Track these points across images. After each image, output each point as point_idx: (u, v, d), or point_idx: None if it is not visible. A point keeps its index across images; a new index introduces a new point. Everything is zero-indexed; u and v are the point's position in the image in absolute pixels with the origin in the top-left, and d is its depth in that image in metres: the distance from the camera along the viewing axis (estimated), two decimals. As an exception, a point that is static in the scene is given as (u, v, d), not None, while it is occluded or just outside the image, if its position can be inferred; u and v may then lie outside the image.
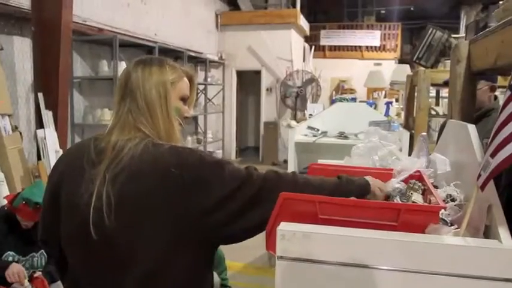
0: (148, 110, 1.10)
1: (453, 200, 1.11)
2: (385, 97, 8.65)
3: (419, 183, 1.18)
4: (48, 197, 1.18)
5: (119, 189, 1.00)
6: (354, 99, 5.44)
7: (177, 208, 0.99)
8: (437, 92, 4.84)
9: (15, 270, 2.18)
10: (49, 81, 3.98)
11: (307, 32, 11.10)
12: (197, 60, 7.84)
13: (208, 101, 8.10)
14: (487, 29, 1.30)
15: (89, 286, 1.08)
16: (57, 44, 3.84)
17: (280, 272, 0.91)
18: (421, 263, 0.84)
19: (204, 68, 7.78)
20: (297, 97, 8.64)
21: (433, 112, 3.63)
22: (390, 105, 4.56)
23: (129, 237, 1.00)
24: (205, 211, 0.99)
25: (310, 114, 4.34)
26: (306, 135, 3.73)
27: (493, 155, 0.86)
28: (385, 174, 1.28)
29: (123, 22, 5.61)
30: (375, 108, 5.39)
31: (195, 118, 8.02)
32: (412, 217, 0.92)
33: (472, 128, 1.17)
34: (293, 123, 3.62)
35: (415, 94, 3.54)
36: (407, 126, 3.62)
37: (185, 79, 1.21)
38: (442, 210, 1.08)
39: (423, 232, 0.91)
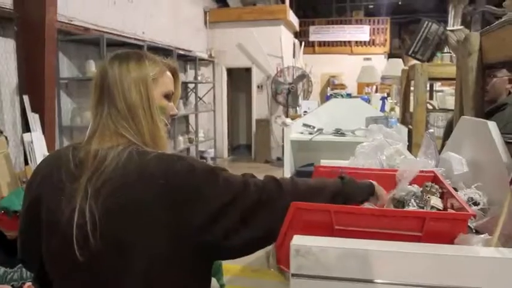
0: (130, 112, 0.99)
1: (475, 203, 1.03)
2: (376, 92, 8.61)
3: (436, 186, 1.10)
4: (26, 213, 1.07)
5: (102, 204, 0.89)
6: (349, 95, 5.36)
7: (167, 223, 0.89)
8: (431, 86, 4.79)
9: None
10: (34, 83, 3.84)
11: (297, 28, 11.03)
12: (186, 59, 7.71)
13: (199, 99, 7.98)
14: (503, 20, 1.22)
15: None
16: (42, 44, 3.71)
17: (295, 292, 0.82)
18: (453, 278, 0.75)
19: (194, 66, 7.65)
20: (288, 94, 8.57)
21: (429, 106, 3.57)
22: (385, 100, 4.50)
23: (117, 256, 0.90)
24: (198, 226, 0.89)
25: (305, 111, 4.25)
26: (301, 132, 3.64)
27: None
28: (393, 176, 1.20)
29: (110, 21, 5.47)
30: (369, 103, 5.33)
31: (186, 117, 7.90)
32: (438, 226, 0.84)
33: (493, 126, 1.09)
34: (288, 121, 3.53)
35: (411, 88, 3.48)
36: (404, 121, 3.55)
37: (168, 73, 1.09)
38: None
39: (450, 242, 0.83)
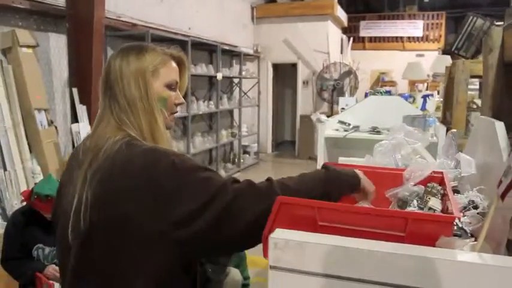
0: (129, 106, 1.04)
1: (476, 207, 0.99)
2: (427, 89, 8.28)
3: (439, 187, 1.06)
4: (55, 200, 1.18)
5: (93, 190, 0.95)
6: (388, 92, 5.20)
7: (146, 217, 0.92)
8: (481, 84, 4.54)
9: (51, 269, 2.26)
10: (83, 76, 4.07)
11: (345, 23, 10.81)
12: (232, 54, 7.82)
13: (243, 94, 8.07)
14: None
15: None
16: (90, 40, 3.91)
17: (272, 283, 0.84)
18: (429, 282, 0.74)
19: (239, 61, 7.74)
20: (333, 90, 8.44)
21: (474, 106, 3.40)
22: (428, 98, 4.32)
23: (101, 242, 0.96)
24: (175, 223, 0.92)
25: (343, 108, 4.19)
26: (337, 129, 3.60)
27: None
28: (398, 176, 1.17)
29: (157, 17, 5.66)
30: (413, 101, 5.15)
31: (230, 112, 8.02)
32: (422, 227, 0.82)
33: (499, 126, 1.04)
34: (323, 117, 3.50)
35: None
36: (444, 120, 3.41)
37: (172, 63, 1.12)
38: (462, 219, 0.97)
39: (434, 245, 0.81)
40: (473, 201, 1.00)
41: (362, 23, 13.04)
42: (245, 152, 8.39)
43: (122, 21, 4.95)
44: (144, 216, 0.92)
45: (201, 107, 6.29)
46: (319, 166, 3.49)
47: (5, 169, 3.43)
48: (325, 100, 8.95)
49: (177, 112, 1.19)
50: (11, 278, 2.42)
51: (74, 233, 0.98)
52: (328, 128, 3.64)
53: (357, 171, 1.11)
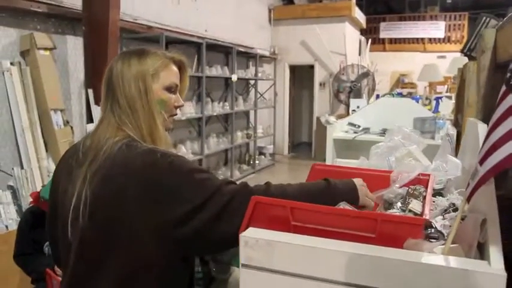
0: (130, 109, 1.07)
1: (456, 209, 0.98)
2: (447, 91, 8.13)
3: (422, 189, 1.06)
4: (50, 198, 1.22)
5: (93, 189, 0.99)
6: (400, 94, 5.13)
7: (145, 216, 0.95)
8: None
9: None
10: (98, 78, 4.10)
11: (363, 25, 10.72)
12: (248, 56, 7.85)
13: (259, 96, 8.10)
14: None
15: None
16: (105, 43, 4.00)
17: (244, 281, 0.85)
18: (390, 283, 0.74)
19: (255, 63, 7.77)
20: (350, 92, 8.37)
21: (487, 108, 3.32)
22: (440, 100, 4.25)
23: (100, 239, 0.99)
24: (173, 222, 0.95)
25: (353, 110, 4.16)
26: (346, 131, 3.58)
27: (481, 162, 0.74)
28: (385, 177, 1.17)
29: (174, 19, 5.74)
30: (429, 103, 5.07)
31: (246, 113, 8.05)
32: (391, 229, 0.82)
33: (482, 127, 1.03)
34: (331, 119, 3.49)
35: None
36: (456, 123, 3.34)
37: (172, 67, 1.15)
38: (442, 221, 0.97)
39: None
40: (453, 204, 0.99)
41: (382, 24, 12.91)
42: (261, 154, 8.40)
43: (138, 23, 5.04)
44: (143, 215, 0.95)
45: (216, 108, 6.34)
46: (338, 164, 3.45)
47: (21, 167, 3.54)
48: (341, 102, 8.90)
49: (176, 114, 1.22)
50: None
51: (73, 229, 1.02)
52: (337, 130, 3.63)
53: (359, 184, 1.10)
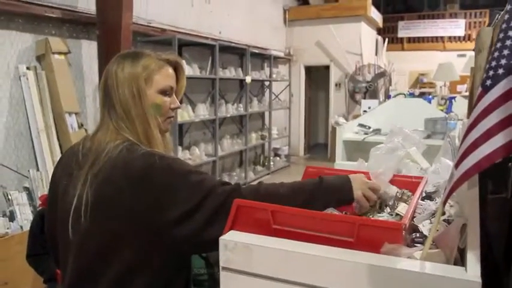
0: (125, 114, 1.10)
1: (444, 213, 0.97)
2: (466, 91, 7.97)
3: (410, 193, 1.05)
4: (48, 199, 1.25)
5: (95, 190, 1.02)
6: (412, 94, 5.05)
7: (145, 217, 0.99)
8: None
9: None
10: (111, 81, 4.22)
11: (380, 24, 10.59)
12: (263, 57, 7.86)
13: (274, 97, 8.09)
14: None
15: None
16: (118, 46, 4.06)
17: (223, 284, 0.86)
18: (367, 286, 0.74)
19: (269, 64, 7.77)
20: (365, 92, 8.29)
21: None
22: (454, 100, 4.17)
23: (101, 239, 1.02)
24: (171, 222, 0.98)
25: (365, 111, 4.12)
26: (356, 132, 3.55)
27: (457, 165, 0.73)
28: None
29: (188, 22, 5.80)
30: (444, 103, 4.98)
31: (261, 114, 8.06)
32: (370, 233, 0.81)
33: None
34: (341, 120, 3.46)
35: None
36: (469, 124, 3.28)
37: (167, 69, 1.17)
38: (428, 225, 0.96)
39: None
40: (441, 208, 0.98)
41: (400, 24, 12.73)
42: (276, 155, 8.40)
43: (152, 27, 5.11)
44: (143, 216, 0.99)
45: (230, 110, 6.37)
46: (337, 167, 3.45)
47: (37, 169, 3.63)
48: (357, 103, 8.81)
49: (173, 116, 1.24)
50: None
51: (74, 230, 1.05)
52: (348, 131, 3.61)
53: (358, 179, 1.09)
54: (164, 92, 1.16)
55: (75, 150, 1.16)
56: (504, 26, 0.75)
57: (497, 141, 0.69)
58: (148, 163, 1.01)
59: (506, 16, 0.75)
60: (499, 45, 0.74)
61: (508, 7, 0.76)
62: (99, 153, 1.06)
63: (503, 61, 0.72)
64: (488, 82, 0.73)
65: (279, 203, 0.94)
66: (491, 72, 0.73)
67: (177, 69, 1.22)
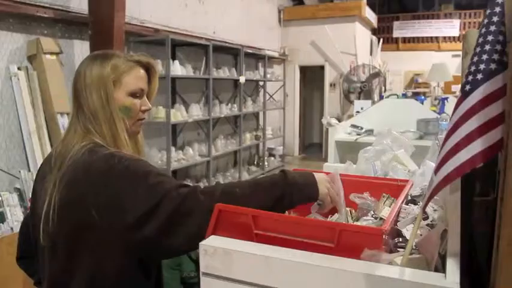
0: (93, 116, 1.08)
1: (426, 218, 0.96)
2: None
3: (392, 198, 1.04)
4: (30, 203, 1.24)
5: (60, 194, 1.01)
6: (404, 95, 5.06)
7: (107, 221, 0.97)
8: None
9: None
10: (104, 81, 4.20)
11: (375, 25, 10.61)
12: (258, 57, 7.85)
13: (269, 97, 8.08)
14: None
15: None
16: (110, 46, 4.04)
17: (204, 290, 0.85)
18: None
19: (264, 64, 7.76)
20: (360, 92, 8.30)
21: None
22: (446, 101, 4.17)
23: (68, 243, 1.01)
24: (131, 226, 0.96)
25: (357, 111, 4.12)
26: (349, 133, 3.55)
27: (436, 171, 0.72)
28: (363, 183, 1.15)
29: (181, 22, 5.78)
30: (438, 104, 4.99)
31: (255, 114, 8.05)
32: (350, 239, 0.81)
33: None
34: (333, 121, 3.47)
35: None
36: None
37: (137, 70, 1.14)
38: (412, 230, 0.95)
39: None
40: (425, 212, 0.97)
41: (395, 24, 12.76)
42: (271, 155, 8.39)
43: (145, 27, 5.09)
44: (105, 219, 0.97)
45: (224, 110, 6.35)
46: (326, 169, 3.45)
47: (28, 170, 3.61)
48: (351, 103, 8.82)
49: (144, 118, 1.21)
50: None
51: (44, 235, 1.04)
52: (340, 132, 3.60)
53: (322, 179, 1.07)
54: (134, 94, 1.14)
55: (50, 155, 1.15)
56: (483, 30, 0.74)
57: (476, 147, 0.69)
58: (107, 165, 1.00)
59: (486, 21, 0.74)
60: (478, 50, 0.73)
61: (487, 11, 0.75)
62: (65, 156, 1.05)
63: (482, 66, 0.71)
64: (468, 87, 0.73)
65: (238, 203, 0.93)
66: (470, 77, 0.73)
67: (149, 70, 1.19)
